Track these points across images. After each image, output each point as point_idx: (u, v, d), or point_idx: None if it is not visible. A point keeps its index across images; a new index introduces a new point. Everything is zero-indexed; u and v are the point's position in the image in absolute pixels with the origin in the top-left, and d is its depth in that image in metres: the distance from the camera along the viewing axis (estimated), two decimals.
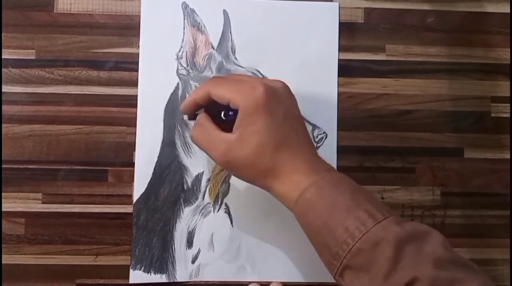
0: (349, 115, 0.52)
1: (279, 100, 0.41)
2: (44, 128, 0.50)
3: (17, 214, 0.49)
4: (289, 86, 0.51)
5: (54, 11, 0.51)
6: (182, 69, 0.51)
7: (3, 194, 0.49)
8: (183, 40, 0.51)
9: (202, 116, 0.43)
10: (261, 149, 0.40)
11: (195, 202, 0.50)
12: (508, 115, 0.53)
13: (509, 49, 0.53)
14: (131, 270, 0.49)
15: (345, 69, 0.52)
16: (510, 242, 0.52)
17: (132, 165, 0.50)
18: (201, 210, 0.50)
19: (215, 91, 0.42)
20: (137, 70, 0.51)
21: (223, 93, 0.41)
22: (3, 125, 0.50)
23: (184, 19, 0.51)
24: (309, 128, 0.51)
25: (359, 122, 0.52)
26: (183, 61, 0.51)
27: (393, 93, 0.53)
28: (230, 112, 0.42)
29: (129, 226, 0.50)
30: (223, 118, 0.43)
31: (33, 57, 0.50)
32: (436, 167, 0.52)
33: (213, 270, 0.50)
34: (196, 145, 0.43)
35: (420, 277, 0.34)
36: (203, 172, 0.51)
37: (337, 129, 0.52)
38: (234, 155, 0.40)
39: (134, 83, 0.51)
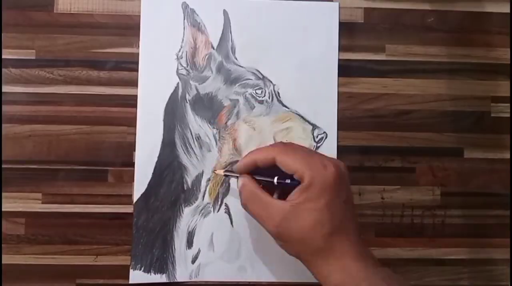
0: (349, 115, 0.52)
1: (344, 183, 0.41)
2: (45, 128, 0.50)
3: (17, 214, 0.49)
4: (290, 89, 0.51)
5: (54, 11, 0.51)
6: (182, 69, 0.51)
7: (3, 194, 0.49)
8: (183, 40, 0.51)
9: (249, 181, 0.43)
10: (317, 227, 0.39)
11: (195, 202, 0.50)
12: (508, 115, 0.53)
13: (509, 49, 0.53)
14: (131, 270, 0.49)
15: (345, 69, 0.52)
16: (510, 242, 0.52)
17: (132, 165, 0.50)
18: (201, 210, 0.50)
19: (282, 159, 0.41)
20: (137, 70, 0.51)
21: (292, 163, 0.41)
22: (3, 125, 0.50)
23: (184, 19, 0.51)
24: (309, 128, 0.51)
25: (359, 122, 0.52)
26: (183, 61, 0.51)
27: (393, 93, 0.53)
28: (287, 180, 0.41)
29: (129, 226, 0.50)
30: (275, 183, 0.42)
31: (33, 57, 0.50)
32: (436, 167, 0.52)
33: (213, 270, 0.50)
34: (247, 211, 0.43)
35: None
36: (203, 171, 0.51)
37: (337, 129, 0.52)
38: (288, 226, 0.40)
39: (134, 83, 0.51)
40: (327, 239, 0.39)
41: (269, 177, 0.43)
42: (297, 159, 0.41)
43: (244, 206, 0.43)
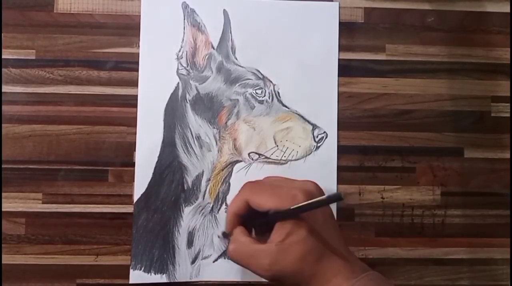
0: (349, 115, 0.52)
1: None
2: (44, 128, 0.50)
3: (17, 214, 0.49)
4: (291, 89, 0.51)
5: (54, 11, 0.51)
6: (182, 69, 0.51)
7: (4, 194, 0.49)
8: (183, 40, 0.51)
9: (237, 231, 0.43)
10: (304, 257, 0.40)
11: (195, 202, 0.50)
12: (508, 115, 0.53)
13: (509, 49, 0.53)
14: (131, 270, 0.49)
15: (345, 69, 0.52)
16: (510, 242, 0.52)
17: (132, 164, 0.50)
18: (201, 210, 0.50)
19: (253, 200, 0.42)
20: (137, 70, 0.51)
21: (263, 202, 0.42)
22: (3, 125, 0.50)
23: (184, 19, 0.51)
24: (309, 128, 0.51)
25: (359, 122, 0.52)
26: (183, 61, 0.51)
27: (393, 93, 0.53)
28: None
29: (129, 226, 0.50)
30: (261, 223, 0.43)
31: (33, 57, 0.50)
32: (436, 167, 0.52)
33: (213, 270, 0.50)
34: (236, 262, 0.43)
35: None
36: (203, 171, 0.51)
37: (337, 129, 0.52)
38: (278, 267, 0.40)
39: (134, 83, 0.51)
40: (317, 265, 0.40)
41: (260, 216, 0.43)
42: (266, 195, 0.42)
43: (232, 258, 0.43)
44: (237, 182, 0.51)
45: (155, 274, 0.50)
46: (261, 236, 0.43)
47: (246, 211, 0.43)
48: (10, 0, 0.51)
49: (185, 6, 0.51)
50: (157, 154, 0.50)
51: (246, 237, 0.43)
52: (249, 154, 0.51)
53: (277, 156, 0.51)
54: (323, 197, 0.40)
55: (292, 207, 0.40)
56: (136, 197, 0.50)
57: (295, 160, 0.51)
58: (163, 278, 0.50)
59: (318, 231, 0.40)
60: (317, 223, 0.41)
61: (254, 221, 0.44)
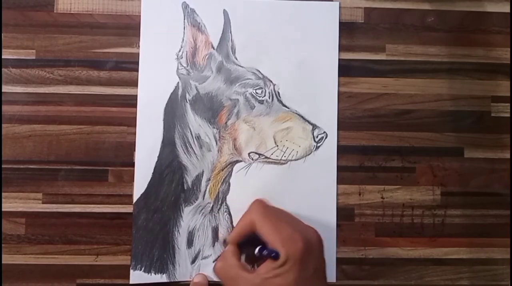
0: (349, 115, 0.52)
1: (312, 255, 0.42)
2: (45, 128, 0.50)
3: (17, 214, 0.49)
4: (291, 89, 0.51)
5: (54, 11, 0.51)
6: (182, 69, 0.51)
7: (4, 194, 0.49)
8: (183, 40, 0.51)
9: (228, 251, 0.45)
10: None
11: (195, 202, 0.50)
12: (508, 115, 0.53)
13: (509, 49, 0.53)
14: (131, 270, 0.49)
15: (345, 69, 0.52)
16: (510, 242, 0.52)
17: (132, 164, 0.50)
18: (201, 209, 0.50)
19: (259, 226, 0.43)
20: (137, 70, 0.51)
21: (266, 233, 0.43)
22: (3, 125, 0.50)
23: (184, 19, 0.51)
24: (309, 128, 0.51)
25: (359, 122, 0.52)
26: (183, 61, 0.51)
27: (393, 93, 0.53)
28: (265, 252, 0.42)
29: (129, 226, 0.50)
30: (256, 254, 0.43)
31: (33, 57, 0.50)
32: (436, 167, 0.52)
33: (213, 270, 0.50)
34: (217, 277, 0.45)
35: None
36: (203, 171, 0.51)
37: (337, 129, 0.52)
38: None
39: (134, 83, 0.51)
40: None
41: (257, 244, 0.44)
42: (269, 228, 0.43)
43: (216, 274, 0.45)
44: (237, 181, 0.51)
45: (155, 274, 0.50)
46: (252, 259, 0.45)
47: (251, 232, 0.44)
48: (10, 0, 0.51)
49: (185, 6, 0.51)
50: (157, 154, 0.50)
51: (235, 259, 0.44)
52: (249, 154, 0.51)
53: (277, 156, 0.51)
54: None
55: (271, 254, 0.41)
56: (136, 197, 0.50)
57: (295, 159, 0.51)
58: (163, 278, 0.50)
59: (305, 279, 0.41)
60: (307, 272, 0.41)
61: (252, 241, 0.44)
